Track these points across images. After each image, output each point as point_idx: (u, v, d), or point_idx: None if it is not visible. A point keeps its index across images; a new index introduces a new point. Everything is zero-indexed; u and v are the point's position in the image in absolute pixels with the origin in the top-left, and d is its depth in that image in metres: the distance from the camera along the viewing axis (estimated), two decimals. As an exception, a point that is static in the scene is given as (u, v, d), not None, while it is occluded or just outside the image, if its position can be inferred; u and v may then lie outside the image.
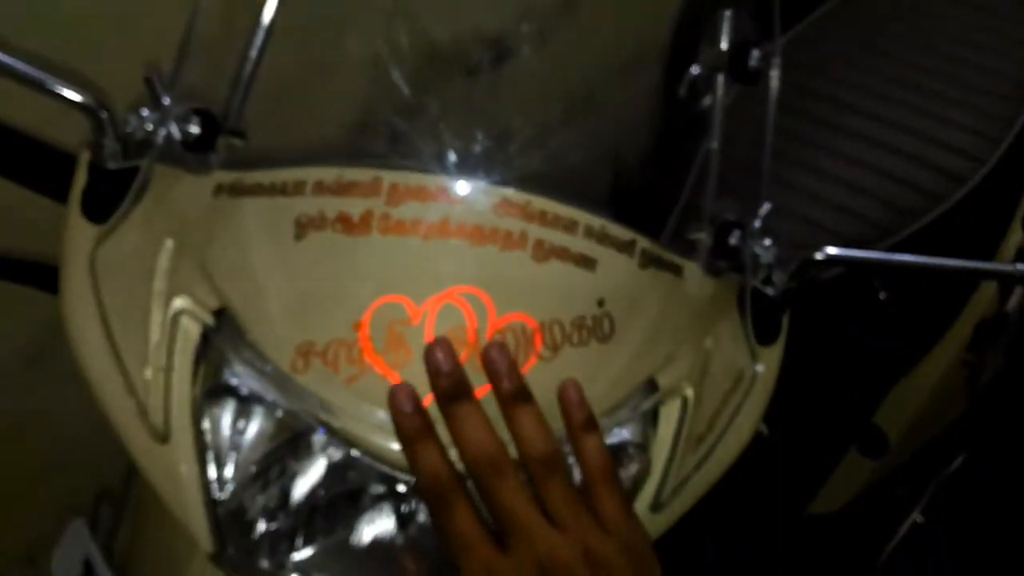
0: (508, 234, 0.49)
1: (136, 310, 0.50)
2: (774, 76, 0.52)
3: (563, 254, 0.50)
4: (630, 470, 0.52)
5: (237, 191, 0.51)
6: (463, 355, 0.47)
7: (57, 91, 0.47)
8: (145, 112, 0.50)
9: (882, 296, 0.73)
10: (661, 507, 0.53)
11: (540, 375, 0.48)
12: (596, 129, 0.57)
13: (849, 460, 1.17)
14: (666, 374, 0.53)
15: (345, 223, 0.48)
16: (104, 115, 0.49)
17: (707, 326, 0.56)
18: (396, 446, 0.46)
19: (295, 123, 0.54)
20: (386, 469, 0.47)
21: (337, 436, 0.47)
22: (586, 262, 0.51)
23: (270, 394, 0.48)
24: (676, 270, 0.55)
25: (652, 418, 0.53)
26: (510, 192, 0.49)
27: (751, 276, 0.56)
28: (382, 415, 0.46)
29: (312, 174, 0.50)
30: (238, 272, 0.50)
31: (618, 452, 0.52)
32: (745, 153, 0.59)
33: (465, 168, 0.51)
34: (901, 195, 0.86)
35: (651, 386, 0.53)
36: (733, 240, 0.52)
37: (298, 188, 0.50)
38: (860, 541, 1.30)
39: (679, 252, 0.55)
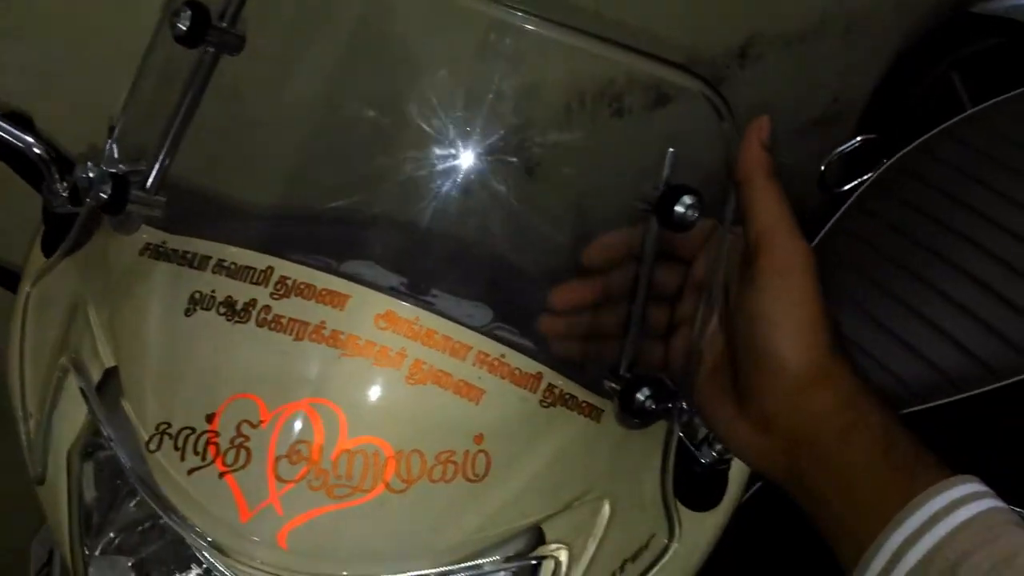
0: (384, 350, 0.45)
1: (42, 354, 0.52)
2: (722, 247, 0.46)
3: (443, 379, 0.46)
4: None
5: (159, 254, 0.51)
6: (302, 472, 0.44)
7: (4, 139, 0.50)
8: (89, 164, 0.51)
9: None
10: None
11: (385, 507, 0.45)
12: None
13: None
14: (554, 526, 0.48)
15: (229, 308, 0.47)
16: (51, 163, 0.51)
17: (621, 479, 0.50)
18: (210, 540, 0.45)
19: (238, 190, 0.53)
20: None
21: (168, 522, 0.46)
22: (469, 392, 0.46)
23: (126, 467, 0.47)
24: (593, 413, 0.49)
25: (531, 572, 0.48)
26: (398, 304, 0.46)
27: (675, 435, 0.49)
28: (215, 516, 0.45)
29: (217, 250, 0.49)
30: (133, 336, 0.50)
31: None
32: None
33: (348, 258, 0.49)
34: (986, 347, 0.73)
35: (535, 536, 0.48)
36: (641, 397, 0.46)
37: (202, 263, 0.49)
38: None
39: (605, 394, 0.49)
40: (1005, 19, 1.38)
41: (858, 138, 1.12)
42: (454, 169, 0.54)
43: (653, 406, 0.46)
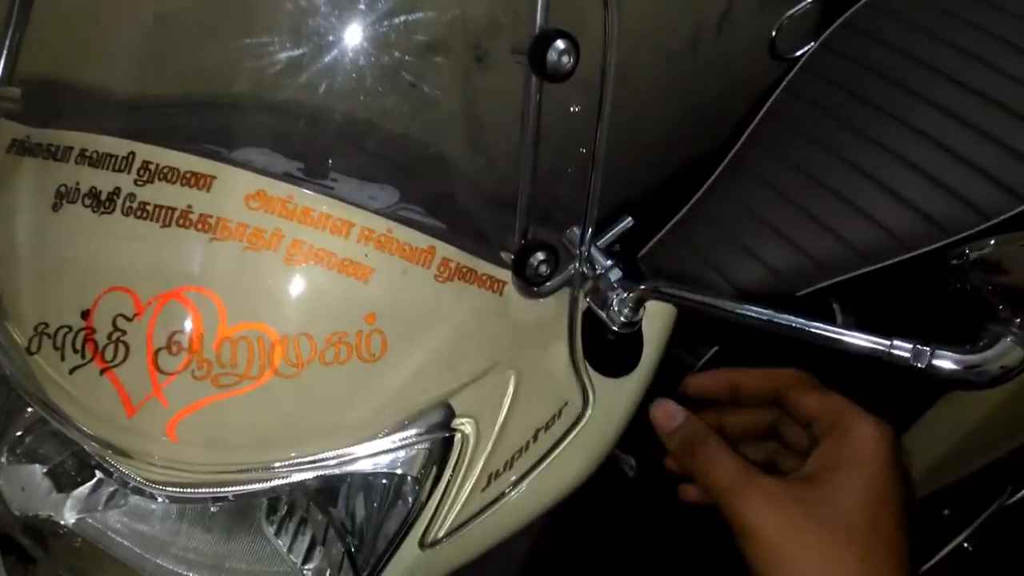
0: (258, 232, 0.43)
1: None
2: (607, 80, 0.42)
3: (325, 259, 0.43)
4: (398, 510, 0.47)
5: (24, 149, 0.48)
6: (183, 362, 0.42)
7: None
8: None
9: (838, 317, 0.61)
10: (432, 545, 0.47)
11: (276, 393, 0.43)
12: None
13: None
14: (461, 400, 0.47)
15: (94, 199, 0.44)
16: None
17: (528, 350, 0.48)
18: (98, 439, 0.44)
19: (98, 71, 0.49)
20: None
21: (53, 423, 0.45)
22: (356, 270, 0.44)
23: (7, 369, 0.46)
24: (494, 286, 0.47)
25: (442, 447, 0.47)
26: (269, 183, 0.43)
27: (579, 300, 0.47)
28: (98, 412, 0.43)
29: (79, 140, 0.46)
30: (5, 237, 0.47)
31: (386, 487, 0.46)
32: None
33: (240, 146, 0.45)
34: (937, 205, 0.70)
35: (444, 412, 0.47)
36: (535, 263, 0.44)
37: (65, 154, 0.46)
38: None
39: (505, 263, 0.47)
40: None
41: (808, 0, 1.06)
42: (344, 39, 0.50)
43: (547, 271, 0.44)
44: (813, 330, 0.41)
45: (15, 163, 0.48)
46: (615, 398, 0.50)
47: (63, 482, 0.50)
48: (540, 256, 0.43)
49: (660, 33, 0.76)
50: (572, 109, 0.46)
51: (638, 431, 0.53)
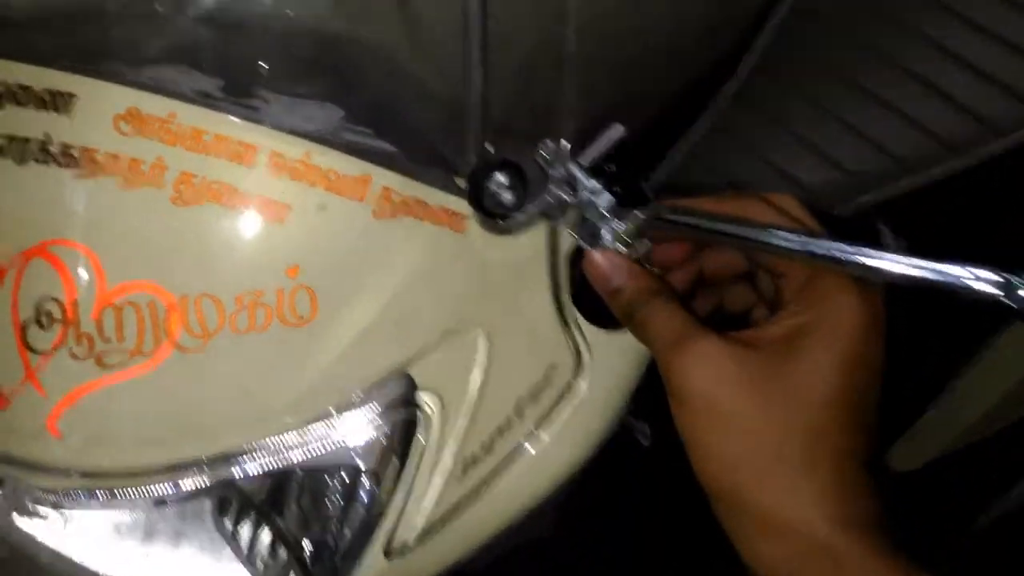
0: (135, 163, 0.33)
1: None
2: None
3: (226, 196, 0.34)
4: (354, 510, 0.37)
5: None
6: (57, 338, 0.33)
7: None
8: None
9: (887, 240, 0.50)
10: (401, 553, 0.38)
11: (180, 372, 0.34)
12: None
13: (939, 408, 0.93)
14: (419, 371, 0.37)
15: (-64, 135, 0.35)
16: None
17: (500, 302, 0.38)
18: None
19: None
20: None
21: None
22: (268, 209, 0.34)
23: None
24: (453, 221, 0.37)
25: (403, 429, 0.38)
26: (143, 97, 0.33)
27: (560, 234, 0.37)
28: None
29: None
30: None
31: (335, 482, 0.37)
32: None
33: (141, 61, 0.35)
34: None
35: (402, 385, 0.37)
36: (494, 187, 0.33)
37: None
38: (954, 502, 1.06)
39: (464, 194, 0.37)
40: None
41: None
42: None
43: (513, 198, 0.34)
44: (866, 260, 0.31)
45: None
46: (618, 355, 0.40)
47: None
48: (500, 178, 0.33)
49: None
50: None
51: (652, 391, 0.43)
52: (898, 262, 0.29)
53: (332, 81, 0.40)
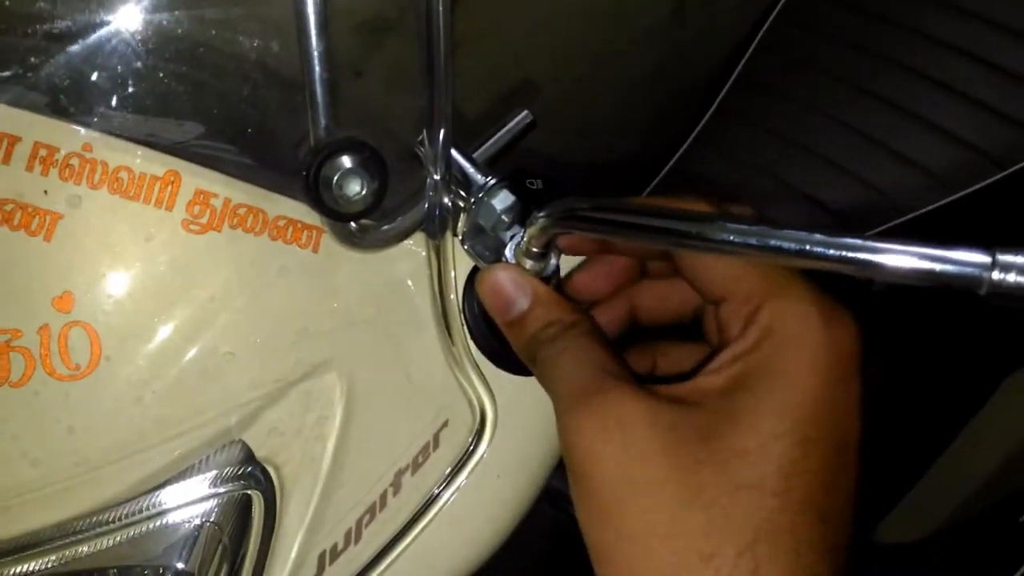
0: None
1: None
2: None
3: (-34, 202, 0.25)
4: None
5: None
6: None
7: None
8: None
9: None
10: None
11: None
12: None
13: (933, 479, 0.83)
14: (250, 437, 0.27)
15: None
16: None
17: (370, 337, 0.29)
18: None
19: None
20: None
21: None
22: (29, 219, 0.25)
23: None
24: (298, 236, 0.28)
25: (236, 520, 0.28)
26: None
27: (448, 245, 0.28)
28: None
29: None
30: None
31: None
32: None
33: None
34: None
35: (233, 455, 0.28)
36: (336, 177, 0.24)
37: None
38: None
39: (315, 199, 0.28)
40: None
41: None
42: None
43: (363, 192, 0.25)
44: (858, 254, 0.21)
45: None
46: (535, 408, 0.31)
47: None
48: (346, 163, 0.24)
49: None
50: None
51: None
52: (904, 252, 0.20)
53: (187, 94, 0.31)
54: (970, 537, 0.84)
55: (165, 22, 0.27)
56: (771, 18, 0.57)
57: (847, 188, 0.52)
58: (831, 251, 0.20)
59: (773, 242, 0.21)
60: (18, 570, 0.26)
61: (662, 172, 0.50)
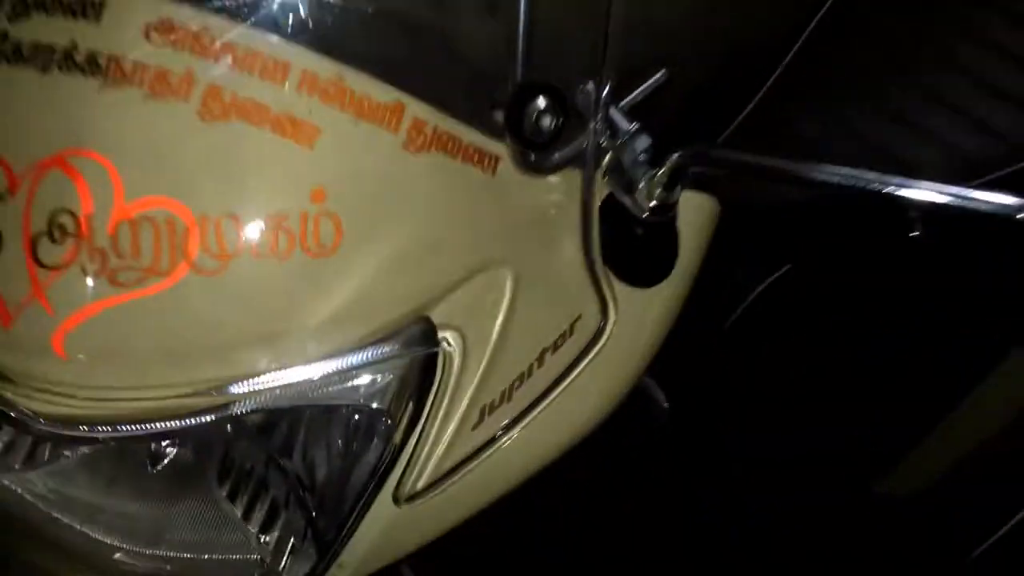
0: (163, 74, 0.32)
1: None
2: None
3: (254, 114, 0.33)
4: (366, 452, 0.36)
5: None
6: (69, 252, 0.32)
7: None
8: None
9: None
10: (412, 499, 0.37)
11: (194, 294, 0.32)
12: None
13: (937, 436, 0.91)
14: (441, 309, 0.36)
15: (-44, 43, 0.34)
16: None
17: (529, 247, 0.37)
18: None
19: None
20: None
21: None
22: (297, 130, 0.33)
23: None
24: (484, 160, 0.36)
25: (420, 371, 0.36)
26: (175, 8, 0.32)
27: (594, 178, 0.36)
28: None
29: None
30: None
31: (347, 422, 0.36)
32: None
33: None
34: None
35: (419, 324, 0.36)
36: (534, 113, 0.33)
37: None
38: (944, 534, 1.04)
39: (499, 132, 0.36)
40: None
41: None
42: None
43: (551, 124, 0.33)
44: (899, 189, 0.29)
45: None
46: (643, 312, 0.39)
47: None
48: (541, 103, 0.32)
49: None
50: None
51: (672, 356, 0.42)
52: (931, 189, 0.29)
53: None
54: (959, 496, 0.93)
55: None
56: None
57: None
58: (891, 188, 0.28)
59: (851, 181, 0.30)
60: (257, 398, 0.34)
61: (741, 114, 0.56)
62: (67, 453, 0.38)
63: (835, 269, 0.47)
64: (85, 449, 0.38)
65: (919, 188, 0.29)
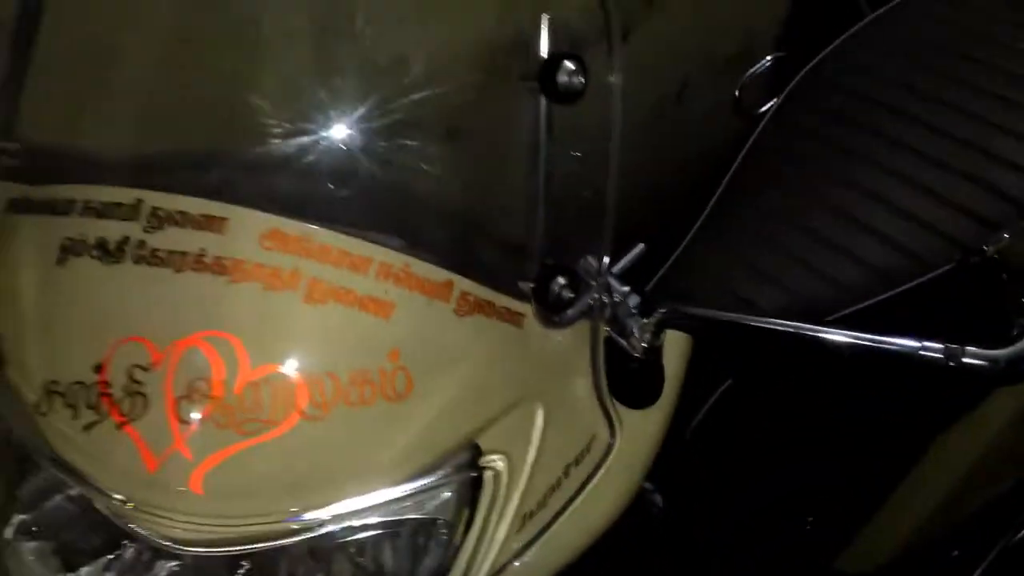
0: (275, 271, 0.42)
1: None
2: (615, 94, 0.42)
3: (345, 296, 0.43)
4: (431, 556, 0.45)
5: (23, 207, 0.47)
6: (205, 410, 0.41)
7: None
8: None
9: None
10: (467, 597, 0.45)
11: (303, 437, 0.41)
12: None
13: (888, 511, 1.02)
14: (488, 438, 0.45)
15: (102, 249, 0.43)
16: None
17: (552, 384, 0.47)
18: (119, 497, 0.41)
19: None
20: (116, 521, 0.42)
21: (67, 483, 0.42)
22: (377, 307, 0.43)
23: (16, 432, 0.44)
24: (513, 318, 0.46)
25: (472, 488, 0.46)
26: (281, 222, 0.43)
27: (600, 329, 0.47)
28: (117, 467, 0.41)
29: (82, 192, 0.45)
30: (6, 296, 0.46)
31: (417, 532, 0.45)
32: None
33: (246, 189, 0.45)
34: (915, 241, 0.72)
35: (472, 451, 0.45)
36: (556, 289, 0.43)
37: (68, 207, 0.45)
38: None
39: (524, 297, 0.46)
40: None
41: (768, 58, 1.10)
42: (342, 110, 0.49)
43: (570, 295, 0.43)
44: (841, 338, 0.41)
45: (14, 222, 0.47)
46: (642, 429, 0.49)
47: (74, 560, 0.47)
48: (561, 280, 0.43)
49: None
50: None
51: (664, 464, 0.52)
52: (871, 341, 0.40)
53: (388, 217, 0.50)
54: (922, 566, 1.02)
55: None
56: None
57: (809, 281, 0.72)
58: (842, 339, 0.39)
59: (791, 329, 0.41)
60: (349, 519, 0.43)
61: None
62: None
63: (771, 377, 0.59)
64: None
65: (839, 335, 0.40)
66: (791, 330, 0.41)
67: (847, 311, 0.72)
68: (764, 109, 1.03)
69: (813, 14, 1.46)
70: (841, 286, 0.74)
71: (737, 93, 1.09)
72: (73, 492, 0.44)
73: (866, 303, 0.72)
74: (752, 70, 1.09)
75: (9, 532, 0.47)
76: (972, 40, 0.90)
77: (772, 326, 0.42)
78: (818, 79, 1.00)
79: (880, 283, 0.74)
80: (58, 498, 0.46)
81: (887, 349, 0.40)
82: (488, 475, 0.45)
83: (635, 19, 1.31)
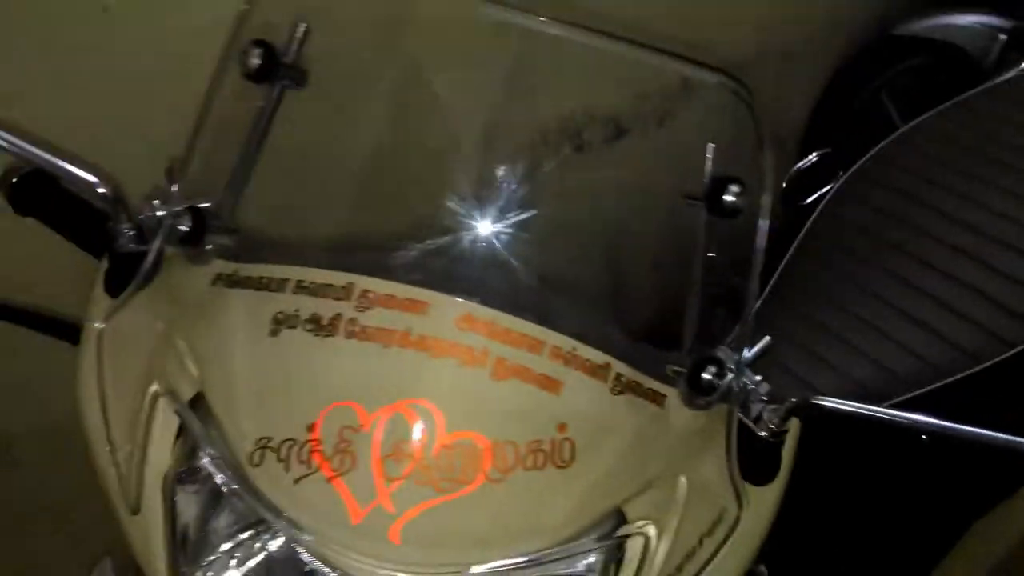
0: (468, 350, 0.49)
1: (126, 385, 0.53)
2: (764, 216, 0.50)
3: (524, 374, 0.49)
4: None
5: (231, 282, 0.54)
6: (407, 469, 0.47)
7: (78, 180, 0.52)
8: (156, 203, 0.54)
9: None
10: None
11: (487, 497, 0.47)
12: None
13: None
14: (635, 506, 0.51)
15: (315, 323, 0.50)
16: (118, 204, 0.53)
17: (689, 459, 0.53)
18: (336, 548, 0.47)
19: (304, 217, 0.56)
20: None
21: (280, 532, 0.48)
22: (549, 384, 0.50)
23: (229, 484, 0.49)
24: (657, 399, 0.53)
25: (617, 551, 0.51)
26: (474, 307, 0.50)
27: (736, 413, 0.53)
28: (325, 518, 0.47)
29: (295, 273, 0.52)
30: (218, 360, 0.52)
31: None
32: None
33: (445, 278, 0.52)
34: (962, 335, 0.80)
35: (618, 517, 0.51)
36: (708, 376, 0.50)
37: (280, 285, 0.52)
38: None
39: (665, 380, 0.53)
40: (922, 39, 1.50)
41: (814, 154, 1.21)
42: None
43: (719, 382, 0.50)
44: (982, 435, 0.47)
45: (225, 295, 0.53)
46: (762, 504, 0.55)
47: None
48: (713, 369, 0.50)
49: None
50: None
51: (769, 539, 0.57)
52: (980, 436, 0.46)
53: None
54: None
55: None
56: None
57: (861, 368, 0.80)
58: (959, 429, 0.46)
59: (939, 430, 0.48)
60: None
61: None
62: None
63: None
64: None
65: (967, 431, 0.47)
66: (921, 425, 0.48)
67: (902, 398, 0.79)
68: (810, 200, 1.13)
69: (845, 116, 1.59)
70: (892, 373, 0.81)
71: (784, 184, 1.19)
72: (277, 535, 0.49)
73: (919, 391, 0.79)
74: (799, 165, 1.19)
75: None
76: (999, 147, 1.01)
77: (903, 420, 0.49)
78: (869, 177, 1.10)
79: (932, 373, 0.81)
80: (247, 543, 0.51)
81: (1011, 443, 0.46)
82: (637, 540, 0.50)
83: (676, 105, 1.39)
